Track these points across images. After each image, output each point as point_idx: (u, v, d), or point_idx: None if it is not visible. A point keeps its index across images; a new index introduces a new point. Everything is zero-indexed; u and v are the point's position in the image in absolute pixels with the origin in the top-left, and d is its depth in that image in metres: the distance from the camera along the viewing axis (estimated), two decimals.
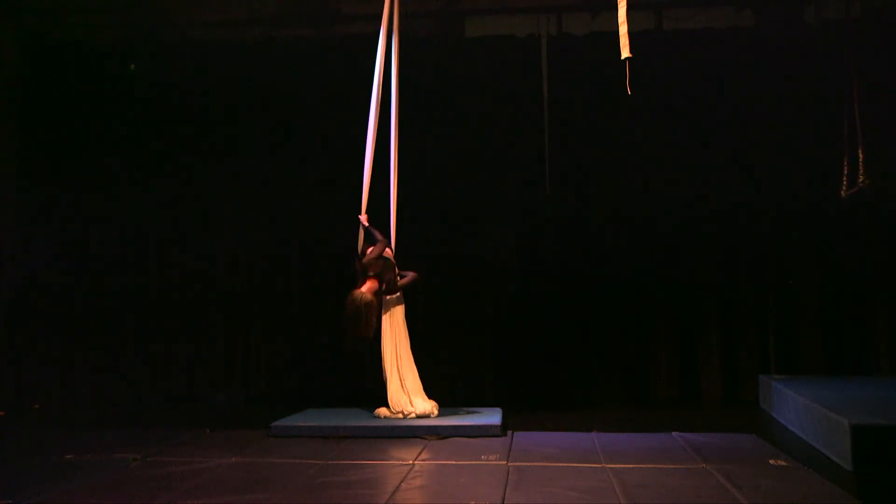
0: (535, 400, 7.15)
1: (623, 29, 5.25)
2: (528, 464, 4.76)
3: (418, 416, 5.85)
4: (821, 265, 7.23)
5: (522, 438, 5.51)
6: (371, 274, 5.85)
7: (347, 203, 7.48)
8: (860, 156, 6.55)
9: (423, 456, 5.01)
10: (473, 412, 6.06)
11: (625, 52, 5.22)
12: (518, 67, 7.51)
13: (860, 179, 6.54)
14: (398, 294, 6.03)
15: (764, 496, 4.00)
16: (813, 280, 7.23)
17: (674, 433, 5.58)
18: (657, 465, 4.68)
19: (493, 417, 5.86)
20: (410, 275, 6.07)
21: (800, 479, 4.38)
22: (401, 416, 5.88)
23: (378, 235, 5.93)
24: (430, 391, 6.09)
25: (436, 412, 5.91)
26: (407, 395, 5.92)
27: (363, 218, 6.03)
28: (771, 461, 4.75)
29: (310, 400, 6.89)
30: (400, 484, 4.32)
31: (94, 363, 7.64)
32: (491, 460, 4.85)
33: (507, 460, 4.83)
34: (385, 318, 6.01)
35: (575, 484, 4.27)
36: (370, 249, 5.88)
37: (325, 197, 7.60)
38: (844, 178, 6.69)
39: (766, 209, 7.28)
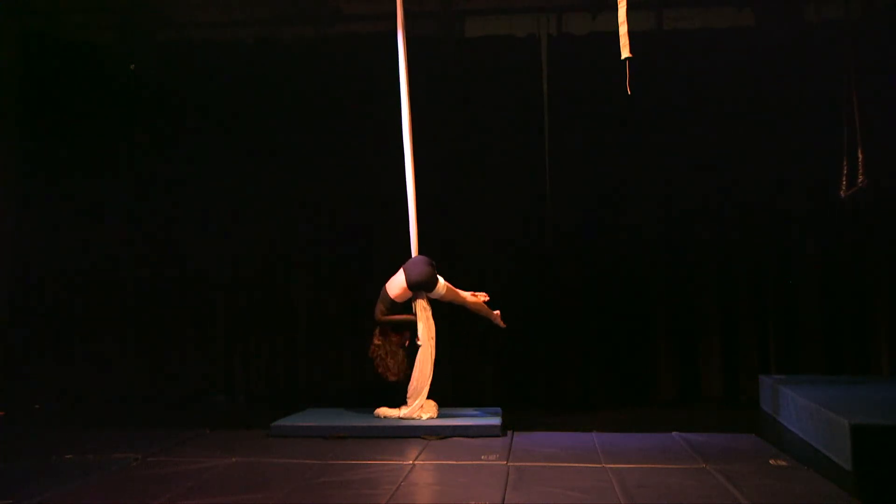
0: (535, 400, 7.16)
1: (623, 29, 5.26)
2: (528, 464, 4.76)
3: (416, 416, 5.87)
4: (821, 265, 7.22)
5: (522, 438, 5.51)
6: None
7: (349, 203, 7.56)
8: (860, 156, 6.55)
9: (423, 456, 5.01)
10: (473, 412, 6.07)
11: (625, 52, 5.22)
12: (518, 67, 7.51)
13: (860, 179, 6.53)
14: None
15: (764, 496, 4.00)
16: (813, 280, 7.23)
17: (674, 433, 5.58)
18: (657, 465, 4.68)
19: (493, 417, 5.86)
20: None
21: (800, 479, 4.38)
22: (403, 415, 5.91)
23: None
24: (431, 391, 6.09)
25: (435, 413, 5.91)
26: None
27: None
28: (771, 461, 4.75)
29: (310, 400, 6.89)
30: (400, 484, 4.32)
31: (93, 363, 7.64)
32: (491, 460, 4.85)
33: (507, 460, 4.83)
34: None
35: (575, 484, 4.27)
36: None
37: (327, 197, 7.60)
38: (844, 178, 6.69)
39: (767, 209, 7.27)
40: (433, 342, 5.93)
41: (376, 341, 5.95)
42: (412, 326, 5.96)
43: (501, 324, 6.18)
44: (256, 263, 7.72)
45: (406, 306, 5.97)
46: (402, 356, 5.92)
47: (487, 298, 6.13)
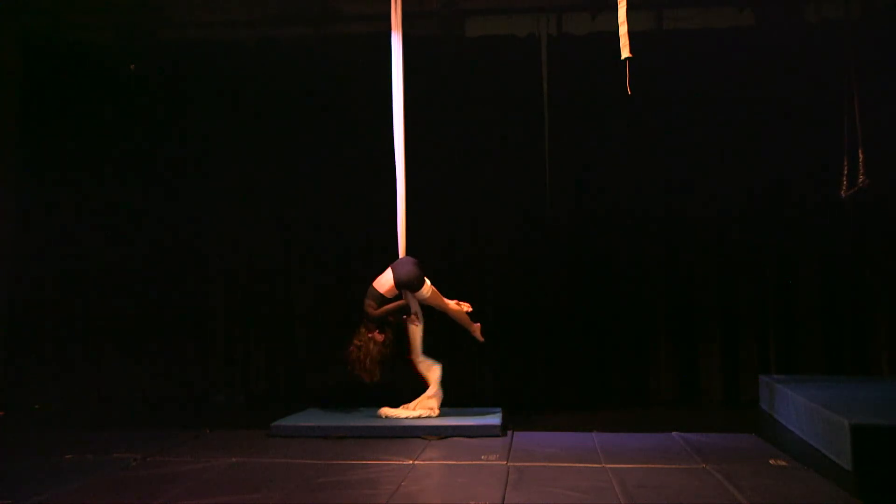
0: (535, 400, 7.16)
1: (623, 29, 5.26)
2: (528, 464, 4.76)
3: (418, 416, 5.88)
4: (821, 265, 7.23)
5: (522, 438, 5.52)
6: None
7: (348, 204, 7.55)
8: (860, 155, 6.54)
9: (423, 456, 5.01)
10: (473, 412, 6.07)
11: (625, 52, 5.23)
12: (518, 67, 7.51)
13: (860, 179, 6.53)
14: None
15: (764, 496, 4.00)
16: (813, 280, 7.23)
17: (674, 433, 5.58)
18: (657, 465, 4.68)
19: (493, 417, 5.86)
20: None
21: (800, 479, 4.38)
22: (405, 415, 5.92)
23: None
24: None
25: (436, 412, 5.92)
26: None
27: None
28: (771, 461, 4.75)
29: (310, 400, 6.89)
30: (400, 484, 4.32)
31: (93, 363, 7.64)
32: (491, 460, 4.85)
33: (507, 460, 4.84)
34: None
35: (575, 484, 4.27)
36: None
37: (326, 198, 7.60)
38: (844, 178, 6.68)
39: (767, 209, 7.28)
40: (420, 324, 6.04)
41: (356, 342, 5.95)
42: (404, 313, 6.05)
43: (480, 337, 6.24)
44: (256, 263, 7.72)
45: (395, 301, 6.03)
46: (382, 358, 5.93)
47: (470, 309, 6.17)
